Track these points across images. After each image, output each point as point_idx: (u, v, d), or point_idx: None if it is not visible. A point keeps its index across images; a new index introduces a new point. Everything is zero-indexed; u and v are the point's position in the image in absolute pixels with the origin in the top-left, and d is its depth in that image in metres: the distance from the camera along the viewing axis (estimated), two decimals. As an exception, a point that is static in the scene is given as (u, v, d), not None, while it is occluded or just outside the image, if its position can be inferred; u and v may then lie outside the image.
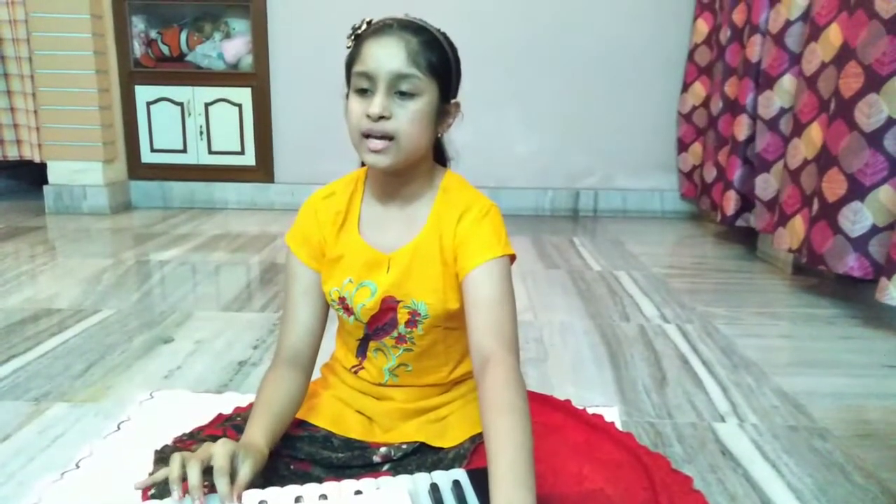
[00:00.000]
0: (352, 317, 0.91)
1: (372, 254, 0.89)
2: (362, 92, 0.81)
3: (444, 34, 0.86)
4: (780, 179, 2.18)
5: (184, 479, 0.69)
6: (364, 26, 0.84)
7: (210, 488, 0.69)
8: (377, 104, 0.79)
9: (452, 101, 0.87)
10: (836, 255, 1.79)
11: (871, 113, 1.67)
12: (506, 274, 0.85)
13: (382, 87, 0.79)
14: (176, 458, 0.70)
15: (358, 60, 0.82)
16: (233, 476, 0.70)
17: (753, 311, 1.86)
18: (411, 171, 0.88)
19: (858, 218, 1.73)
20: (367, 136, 0.81)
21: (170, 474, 0.69)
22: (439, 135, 0.88)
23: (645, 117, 3.21)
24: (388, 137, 0.81)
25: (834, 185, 1.78)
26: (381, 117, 0.79)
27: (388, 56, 0.79)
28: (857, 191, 1.72)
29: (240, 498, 0.69)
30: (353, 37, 0.84)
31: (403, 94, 0.80)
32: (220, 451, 0.71)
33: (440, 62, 0.82)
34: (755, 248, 2.55)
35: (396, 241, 0.89)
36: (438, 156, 0.95)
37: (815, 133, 1.96)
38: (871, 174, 1.69)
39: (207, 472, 0.70)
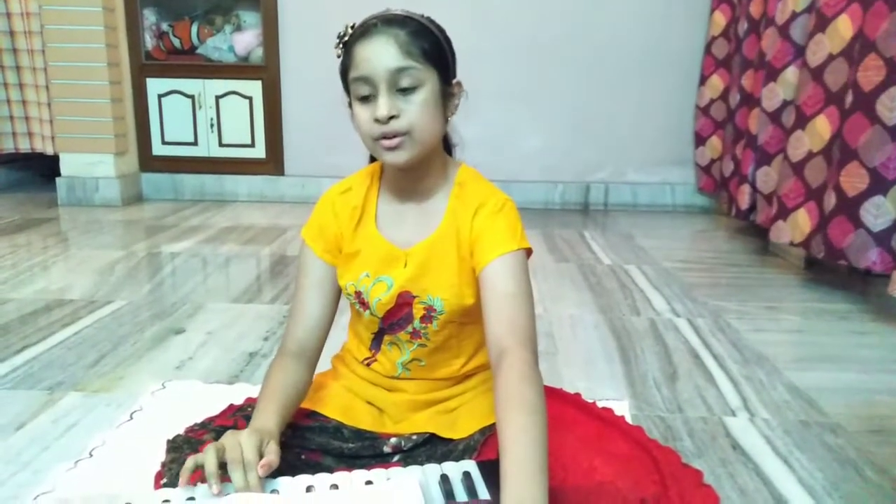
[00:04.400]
0: (367, 311, 0.91)
1: (389, 249, 0.89)
2: (365, 98, 0.81)
3: (429, 18, 0.85)
4: (780, 172, 2.16)
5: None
6: (349, 31, 0.83)
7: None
8: (383, 105, 0.79)
9: (454, 81, 0.86)
10: (857, 250, 1.77)
11: (893, 106, 1.65)
12: (522, 268, 0.84)
13: (384, 88, 0.79)
14: (210, 450, 0.70)
15: (352, 67, 0.81)
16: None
17: (765, 306, 1.85)
18: (426, 166, 0.87)
19: (881, 212, 1.71)
20: (382, 138, 0.81)
21: (206, 467, 0.69)
22: (450, 115, 0.87)
23: (656, 111, 3.19)
24: (402, 134, 0.80)
25: (854, 179, 1.76)
26: (391, 117, 0.79)
27: (380, 55, 0.78)
28: (879, 185, 1.71)
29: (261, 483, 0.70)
30: (340, 45, 0.83)
31: (405, 90, 0.79)
32: (248, 442, 0.72)
33: (433, 47, 0.81)
34: (767, 242, 2.53)
35: (413, 237, 0.89)
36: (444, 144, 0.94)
37: (821, 125, 1.94)
38: (894, 168, 1.68)
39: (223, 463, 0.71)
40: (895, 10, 1.64)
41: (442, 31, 0.85)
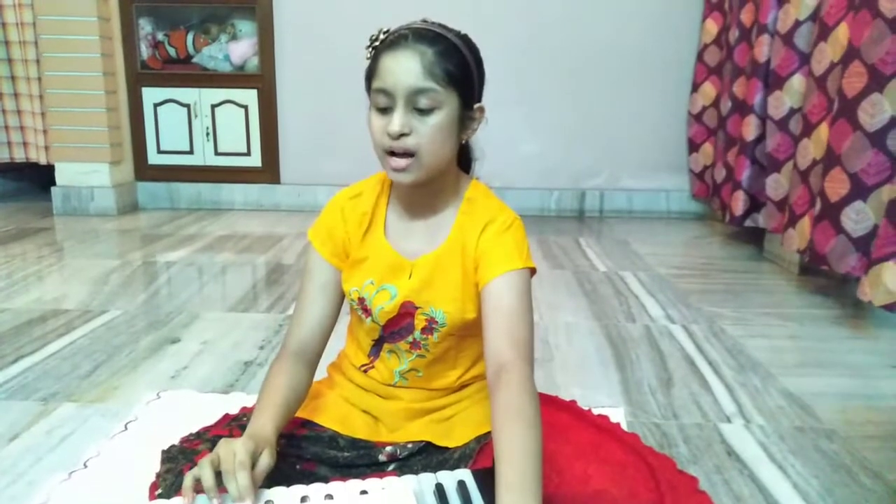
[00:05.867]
0: (369, 318, 0.92)
1: (396, 259, 0.90)
2: (382, 109, 0.81)
3: (464, 37, 0.84)
4: (790, 180, 2.17)
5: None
6: (381, 37, 0.82)
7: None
8: (396, 122, 0.79)
9: (476, 105, 0.85)
10: (838, 255, 1.78)
11: (874, 112, 1.66)
12: (525, 286, 0.85)
13: (401, 104, 0.79)
14: (206, 463, 0.68)
15: (376, 76, 0.81)
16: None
17: (760, 312, 1.86)
18: (436, 182, 0.87)
19: (860, 218, 1.72)
20: (390, 152, 0.81)
21: (203, 481, 0.68)
22: (463, 141, 0.87)
23: (651, 117, 3.20)
24: (410, 154, 0.80)
25: (837, 185, 1.78)
26: (402, 134, 0.79)
27: (403, 71, 0.78)
28: (860, 191, 1.72)
29: (255, 491, 0.69)
30: (370, 48, 0.83)
31: (422, 111, 0.79)
32: (241, 448, 0.71)
33: (458, 70, 0.80)
34: (762, 248, 2.54)
35: (420, 249, 0.90)
36: (463, 158, 0.94)
37: (823, 133, 1.95)
38: (874, 174, 1.68)
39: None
40: (878, 18, 1.65)
41: (475, 53, 0.84)
